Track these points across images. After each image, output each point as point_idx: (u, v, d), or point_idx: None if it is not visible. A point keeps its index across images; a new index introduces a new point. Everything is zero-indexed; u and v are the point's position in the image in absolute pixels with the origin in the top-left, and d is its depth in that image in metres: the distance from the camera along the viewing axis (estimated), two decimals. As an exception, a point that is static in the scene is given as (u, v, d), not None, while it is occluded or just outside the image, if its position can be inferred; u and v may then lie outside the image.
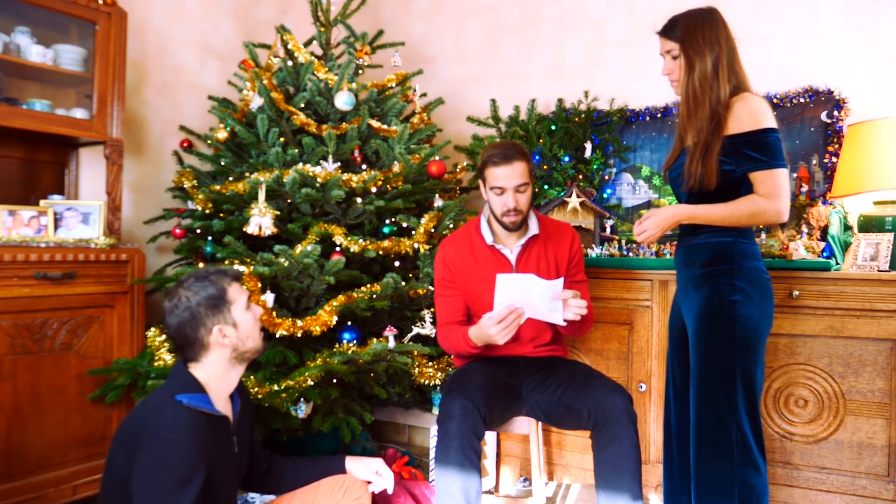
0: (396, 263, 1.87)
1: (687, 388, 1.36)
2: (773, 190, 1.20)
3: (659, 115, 2.17)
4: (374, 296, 1.72)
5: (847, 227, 1.78)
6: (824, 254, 1.70)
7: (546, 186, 2.23)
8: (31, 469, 1.57)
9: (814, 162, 1.92)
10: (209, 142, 2.11)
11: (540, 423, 1.56)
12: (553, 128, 2.26)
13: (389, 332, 1.69)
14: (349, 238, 1.74)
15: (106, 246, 1.74)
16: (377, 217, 1.91)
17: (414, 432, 2.36)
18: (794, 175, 1.96)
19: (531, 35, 2.48)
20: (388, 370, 1.71)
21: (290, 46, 2.03)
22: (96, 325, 1.71)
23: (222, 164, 2.01)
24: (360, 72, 2.15)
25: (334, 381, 1.66)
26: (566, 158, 2.20)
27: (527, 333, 1.50)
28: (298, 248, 1.64)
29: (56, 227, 1.74)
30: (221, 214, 1.90)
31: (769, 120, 1.22)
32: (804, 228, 1.79)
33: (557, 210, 2.09)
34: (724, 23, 1.30)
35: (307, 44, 2.18)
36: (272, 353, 1.59)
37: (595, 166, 2.19)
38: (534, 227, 1.52)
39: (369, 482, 1.31)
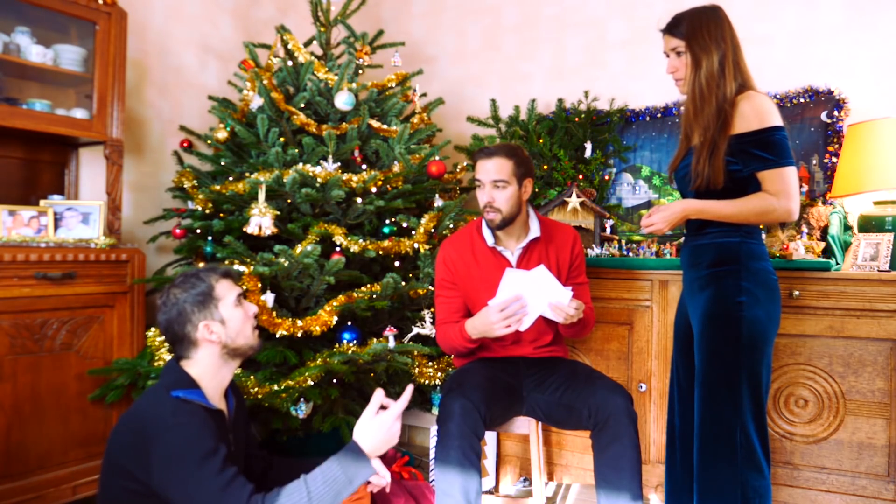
0: (396, 263, 1.87)
1: (691, 389, 1.36)
2: (783, 188, 1.19)
3: (659, 115, 2.17)
4: (374, 296, 1.72)
5: (847, 227, 1.78)
6: (824, 254, 1.70)
7: (546, 186, 2.23)
8: (30, 469, 1.57)
9: (814, 162, 1.92)
10: (209, 142, 2.10)
11: (540, 423, 1.56)
12: (553, 128, 2.26)
13: (389, 332, 1.69)
14: (349, 238, 1.74)
15: (106, 246, 1.74)
16: (377, 217, 1.91)
17: (414, 432, 2.36)
18: (795, 175, 1.96)
19: (531, 35, 2.48)
20: (388, 370, 1.71)
21: (290, 46, 2.03)
22: (96, 325, 1.71)
23: (222, 164, 2.01)
24: (361, 72, 2.15)
25: (334, 381, 1.66)
26: (566, 158, 2.19)
27: (527, 335, 1.50)
28: (298, 248, 1.64)
29: (56, 227, 1.74)
30: (221, 214, 1.90)
31: (775, 118, 1.21)
32: (804, 228, 1.79)
33: (557, 210, 2.09)
34: (728, 20, 1.30)
35: (307, 44, 2.18)
36: (272, 353, 1.59)
37: (595, 166, 2.19)
38: (535, 230, 1.52)
39: (367, 481, 1.29)
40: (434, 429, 1.51)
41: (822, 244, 1.71)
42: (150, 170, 2.22)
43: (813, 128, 1.93)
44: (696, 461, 1.27)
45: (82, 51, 1.84)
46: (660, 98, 2.19)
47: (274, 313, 1.62)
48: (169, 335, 1.13)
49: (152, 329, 1.75)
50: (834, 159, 1.87)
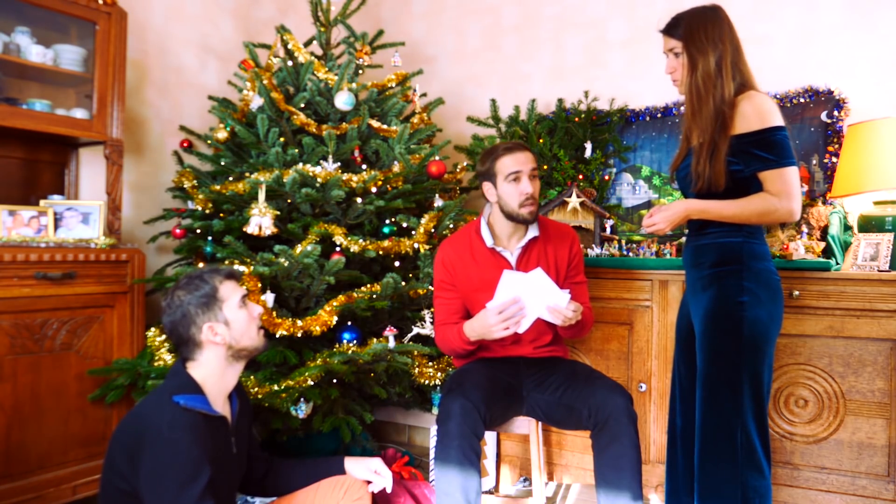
0: (396, 263, 1.87)
1: (693, 389, 1.36)
2: (785, 188, 1.19)
3: (659, 116, 2.17)
4: (374, 296, 1.72)
5: (847, 227, 1.77)
6: (824, 254, 1.70)
7: (546, 186, 2.23)
8: (31, 469, 1.57)
9: (814, 162, 1.92)
10: (209, 142, 2.10)
11: (540, 423, 1.56)
12: (553, 128, 2.25)
13: (389, 332, 1.68)
14: (349, 238, 1.73)
15: (106, 246, 1.74)
16: (377, 217, 1.91)
17: (414, 432, 2.35)
18: (795, 175, 1.95)
19: (531, 35, 2.48)
20: (388, 370, 1.70)
21: (290, 46, 2.03)
22: (96, 325, 1.71)
23: (222, 164, 2.01)
24: (360, 72, 2.15)
25: (334, 381, 1.66)
26: (566, 158, 2.19)
27: (527, 335, 1.50)
28: (298, 248, 1.64)
29: (56, 227, 1.74)
30: (221, 214, 1.90)
31: (776, 118, 1.21)
32: (804, 228, 1.78)
33: (557, 210, 2.08)
34: (729, 20, 1.29)
35: (307, 44, 2.18)
36: (272, 353, 1.59)
37: (595, 166, 2.18)
38: (533, 229, 1.52)
39: (369, 482, 1.31)
40: (434, 429, 1.51)
41: (822, 244, 1.70)
42: (150, 170, 2.22)
43: (813, 128, 1.93)
44: (696, 460, 1.27)
45: (82, 51, 1.84)
46: (660, 98, 2.19)
47: (274, 313, 1.62)
48: (174, 338, 1.14)
49: (152, 329, 1.75)
50: (834, 159, 1.87)
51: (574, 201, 2.04)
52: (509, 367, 1.49)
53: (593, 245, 2.01)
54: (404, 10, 2.79)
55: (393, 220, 1.90)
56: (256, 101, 1.95)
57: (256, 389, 1.55)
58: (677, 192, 2.15)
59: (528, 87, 2.46)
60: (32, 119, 1.70)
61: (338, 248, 1.74)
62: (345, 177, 1.78)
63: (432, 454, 1.77)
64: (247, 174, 1.89)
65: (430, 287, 1.80)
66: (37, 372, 1.59)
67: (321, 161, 1.84)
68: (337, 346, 1.68)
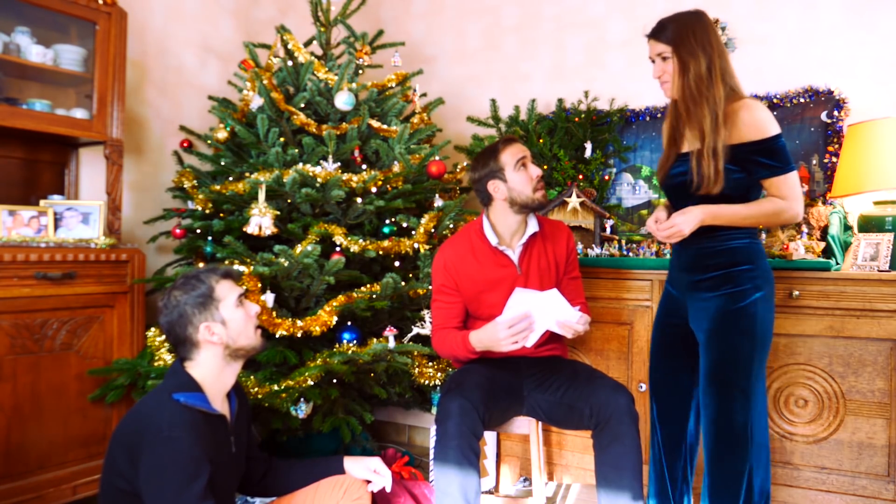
0: (396, 263, 1.87)
1: (680, 391, 1.37)
2: (790, 193, 1.23)
3: (659, 115, 2.16)
4: (374, 296, 1.72)
5: (847, 227, 1.77)
6: (824, 254, 1.70)
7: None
8: (31, 469, 1.56)
9: (814, 162, 1.91)
10: (209, 142, 2.10)
11: (540, 422, 1.55)
12: (553, 128, 2.25)
13: (389, 333, 1.68)
14: (349, 238, 1.73)
15: (106, 246, 1.73)
16: (377, 217, 1.91)
17: (414, 432, 2.35)
18: (795, 175, 1.95)
19: (531, 35, 2.48)
20: (387, 370, 1.70)
21: (290, 46, 2.02)
22: (96, 325, 1.71)
23: (222, 164, 2.00)
24: (360, 72, 2.14)
25: (334, 381, 1.66)
26: (566, 158, 2.19)
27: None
28: (298, 248, 1.63)
29: (56, 227, 1.74)
30: (221, 214, 1.90)
31: (775, 126, 1.24)
32: (804, 228, 1.78)
33: (557, 210, 2.08)
34: (713, 26, 1.30)
35: (307, 44, 2.17)
36: (272, 353, 1.59)
37: (595, 166, 2.18)
38: (533, 225, 1.53)
39: (368, 481, 1.31)
40: (433, 429, 1.51)
41: (822, 244, 1.70)
42: (150, 170, 2.22)
43: (813, 128, 1.93)
44: (707, 458, 1.28)
45: (82, 51, 1.84)
46: (660, 98, 2.17)
47: (274, 313, 1.62)
48: (171, 337, 1.14)
49: (152, 329, 1.75)
50: (834, 159, 1.86)
51: (574, 201, 2.04)
52: (509, 367, 1.49)
53: (593, 245, 2.00)
54: (404, 10, 2.79)
55: (393, 220, 1.90)
56: (256, 101, 1.94)
57: (256, 389, 1.55)
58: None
59: (527, 87, 2.45)
60: (32, 119, 1.70)
61: (338, 248, 1.74)
62: (345, 177, 1.78)
63: (432, 454, 1.77)
64: (247, 174, 1.89)
65: (430, 287, 1.79)
66: (37, 372, 1.58)
67: (321, 161, 1.84)
68: (337, 346, 1.68)
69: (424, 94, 2.39)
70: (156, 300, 2.03)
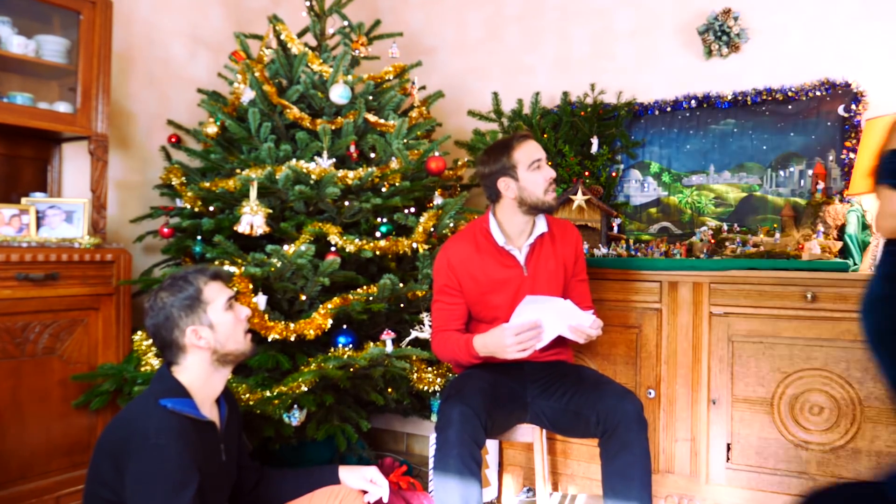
0: (394, 264, 1.85)
1: None
2: None
3: (669, 110, 2.13)
4: (371, 298, 1.69)
5: (865, 226, 1.75)
6: (841, 254, 1.65)
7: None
8: (11, 479, 1.53)
9: (830, 158, 1.89)
10: (198, 137, 2.08)
11: (544, 430, 1.53)
12: (558, 122, 2.22)
13: (387, 336, 1.66)
14: (345, 237, 1.71)
15: (90, 246, 1.70)
16: (374, 215, 1.88)
17: (412, 440, 2.33)
18: (810, 172, 1.91)
19: (535, 25, 2.44)
20: (385, 375, 1.68)
21: (283, 37, 2.00)
22: (80, 329, 1.68)
23: (212, 160, 1.98)
24: (357, 64, 2.13)
25: (329, 386, 1.63)
26: (571, 154, 2.15)
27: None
28: (291, 248, 1.61)
29: (38, 225, 1.71)
30: (211, 212, 1.87)
31: None
32: (820, 227, 1.74)
33: (562, 208, 2.06)
34: None
35: (301, 34, 2.16)
36: (264, 358, 1.57)
37: (602, 162, 2.14)
38: (542, 225, 1.50)
39: (364, 491, 1.28)
40: (433, 437, 1.47)
41: (839, 244, 1.69)
42: (136, 166, 2.19)
43: (829, 122, 1.90)
44: None
45: (66, 42, 1.80)
46: (669, 91, 2.15)
47: (266, 316, 1.59)
48: (157, 341, 1.12)
49: (139, 333, 1.73)
50: (851, 155, 1.84)
51: (580, 199, 2.01)
52: (512, 372, 1.46)
53: (600, 245, 1.99)
54: (403, -1, 2.73)
55: (390, 218, 1.88)
56: (248, 95, 1.92)
57: (248, 396, 1.52)
58: (687, 189, 2.10)
59: (531, 80, 2.42)
60: (13, 113, 1.67)
61: (333, 248, 1.72)
62: (340, 173, 1.75)
63: (431, 463, 1.74)
64: (238, 171, 1.86)
65: (429, 288, 1.77)
66: (18, 377, 1.55)
67: (315, 157, 1.82)
68: (332, 350, 1.65)
69: (423, 87, 2.37)
70: (142, 302, 1.99)
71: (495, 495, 1.86)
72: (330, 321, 1.61)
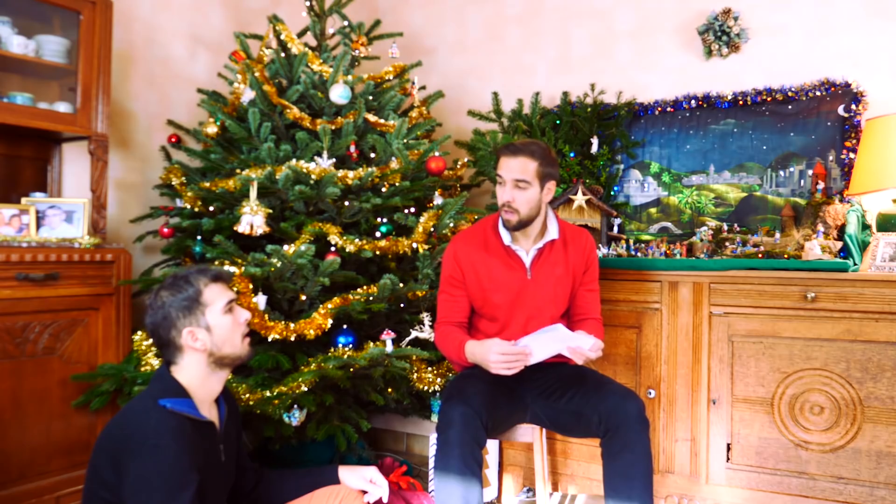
0: (394, 264, 1.84)
1: None
2: None
3: (669, 109, 2.12)
4: (371, 298, 1.69)
5: (865, 226, 1.74)
6: (841, 254, 1.65)
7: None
8: (11, 479, 1.53)
9: (830, 158, 1.89)
10: (198, 137, 2.07)
11: (544, 430, 1.52)
12: (558, 122, 2.22)
13: (387, 336, 1.65)
14: (345, 237, 1.70)
15: (90, 246, 1.70)
16: (374, 215, 1.88)
17: (412, 440, 2.33)
18: (810, 172, 1.91)
19: (535, 25, 2.44)
20: (385, 375, 1.67)
21: (283, 37, 2.00)
22: (80, 329, 1.68)
23: (212, 160, 1.98)
24: (357, 64, 2.13)
25: (329, 386, 1.63)
26: (571, 154, 2.14)
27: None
28: (292, 248, 1.61)
29: (38, 225, 1.71)
30: (211, 212, 1.87)
31: None
32: (820, 227, 1.74)
33: (562, 208, 2.05)
34: None
35: (301, 34, 2.16)
36: (264, 358, 1.56)
37: (602, 162, 2.14)
38: (553, 232, 1.48)
39: (364, 492, 1.28)
40: (433, 437, 1.47)
41: (839, 244, 1.68)
42: (136, 166, 2.19)
43: (829, 122, 1.90)
44: None
45: (66, 42, 1.80)
46: (669, 91, 2.15)
47: (266, 316, 1.59)
48: (155, 339, 1.12)
49: (139, 333, 1.72)
50: (851, 155, 1.83)
51: (580, 199, 2.00)
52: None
53: (600, 245, 1.99)
54: (403, -1, 2.73)
55: (390, 218, 1.87)
56: (248, 95, 1.92)
57: (247, 396, 1.52)
58: (687, 189, 2.10)
59: (531, 80, 2.42)
60: (13, 113, 1.67)
61: (333, 248, 1.71)
62: (340, 173, 1.75)
63: (432, 463, 1.74)
64: (238, 171, 1.86)
65: (429, 289, 1.76)
66: (18, 377, 1.55)
67: (315, 157, 1.81)
68: (332, 350, 1.65)
69: (423, 87, 2.37)
70: (142, 302, 1.99)
71: (495, 495, 1.86)
72: (330, 321, 1.61)
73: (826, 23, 1.93)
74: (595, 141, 2.14)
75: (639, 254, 1.89)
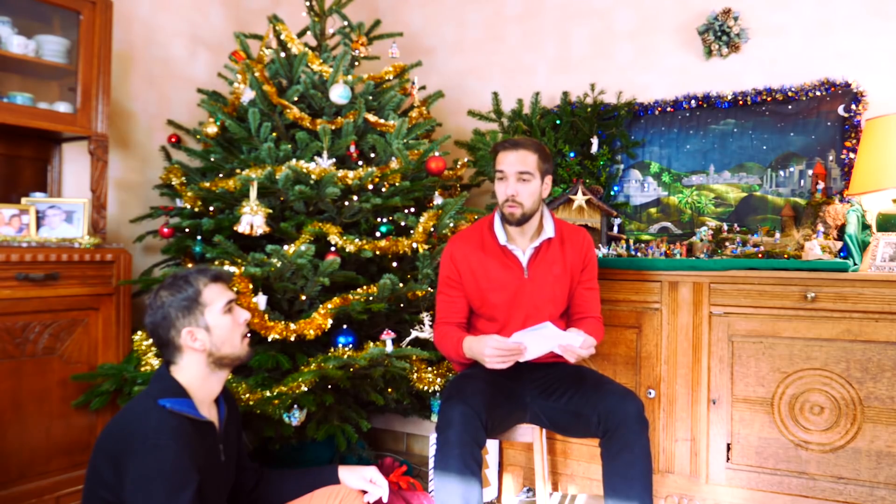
0: (394, 264, 1.84)
1: None
2: None
3: (669, 109, 2.12)
4: (371, 298, 1.69)
5: (865, 226, 1.74)
6: (841, 254, 1.65)
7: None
8: (11, 479, 1.53)
9: (830, 158, 1.88)
10: (198, 137, 2.07)
11: (544, 430, 1.52)
12: (558, 122, 2.21)
13: (387, 336, 1.65)
14: (345, 237, 1.70)
15: (90, 246, 1.70)
16: (374, 215, 1.88)
17: (412, 440, 2.32)
18: (810, 172, 1.90)
19: (535, 25, 2.44)
20: (385, 375, 1.67)
21: (282, 37, 2.00)
22: (80, 329, 1.68)
23: (212, 160, 1.98)
24: (357, 64, 2.12)
25: (329, 386, 1.63)
26: (571, 154, 2.14)
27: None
28: (291, 248, 1.60)
29: (38, 225, 1.71)
30: (211, 212, 1.87)
31: None
32: (820, 227, 1.74)
33: (562, 208, 2.05)
34: None
35: (301, 34, 2.16)
36: (264, 358, 1.56)
37: (602, 162, 2.14)
38: (549, 230, 1.48)
39: (364, 491, 1.28)
40: (433, 437, 1.47)
41: (839, 244, 1.67)
42: (136, 166, 2.18)
43: (829, 122, 1.89)
44: None
45: (66, 42, 1.80)
46: (669, 91, 2.14)
47: (266, 316, 1.59)
48: (155, 339, 1.12)
49: (139, 333, 1.72)
50: (851, 155, 1.83)
51: (579, 199, 2.00)
52: (512, 373, 1.45)
53: (600, 245, 1.99)
54: (402, -1, 2.73)
55: (390, 218, 1.87)
56: (248, 95, 1.92)
57: (247, 396, 1.51)
58: (687, 189, 2.10)
59: (531, 80, 2.42)
60: (13, 113, 1.66)
61: (333, 248, 1.71)
62: (340, 173, 1.75)
63: (431, 463, 1.73)
64: (238, 171, 1.86)
65: (429, 289, 1.77)
66: (18, 377, 1.55)
67: (315, 157, 1.81)
68: (332, 350, 1.65)
69: (423, 87, 2.36)
70: (142, 302, 1.99)
71: (495, 495, 1.86)
72: (330, 321, 1.61)
73: (826, 23, 1.92)
74: (595, 141, 2.13)
75: (639, 254, 1.88)
